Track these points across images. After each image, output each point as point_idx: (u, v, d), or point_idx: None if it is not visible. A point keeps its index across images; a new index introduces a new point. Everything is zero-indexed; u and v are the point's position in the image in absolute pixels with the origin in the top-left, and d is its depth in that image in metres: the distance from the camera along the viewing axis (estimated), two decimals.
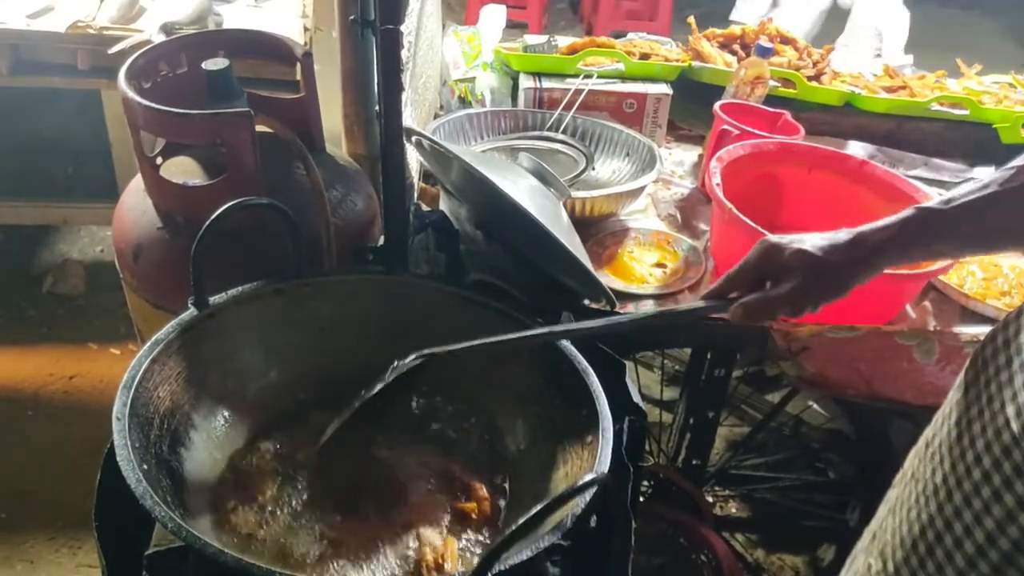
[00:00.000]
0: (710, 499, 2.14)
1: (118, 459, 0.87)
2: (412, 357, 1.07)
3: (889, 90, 2.20)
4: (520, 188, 1.27)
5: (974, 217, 0.93)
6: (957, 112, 2.13)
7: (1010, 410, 0.82)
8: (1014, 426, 0.81)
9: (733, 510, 2.29)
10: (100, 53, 2.24)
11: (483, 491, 1.11)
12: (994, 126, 2.09)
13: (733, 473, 2.21)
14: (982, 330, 1.41)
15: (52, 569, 2.03)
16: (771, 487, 2.19)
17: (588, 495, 0.88)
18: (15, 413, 2.43)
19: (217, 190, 1.37)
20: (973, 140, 2.13)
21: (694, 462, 1.86)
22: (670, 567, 1.84)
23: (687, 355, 2.15)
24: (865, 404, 1.53)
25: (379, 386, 1.07)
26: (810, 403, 2.27)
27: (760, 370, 2.22)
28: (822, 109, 2.13)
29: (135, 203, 1.51)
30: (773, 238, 1.02)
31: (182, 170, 1.49)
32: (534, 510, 0.78)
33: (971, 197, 0.93)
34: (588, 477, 0.80)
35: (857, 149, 2.10)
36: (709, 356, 1.75)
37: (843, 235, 0.99)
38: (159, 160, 1.48)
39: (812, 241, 0.99)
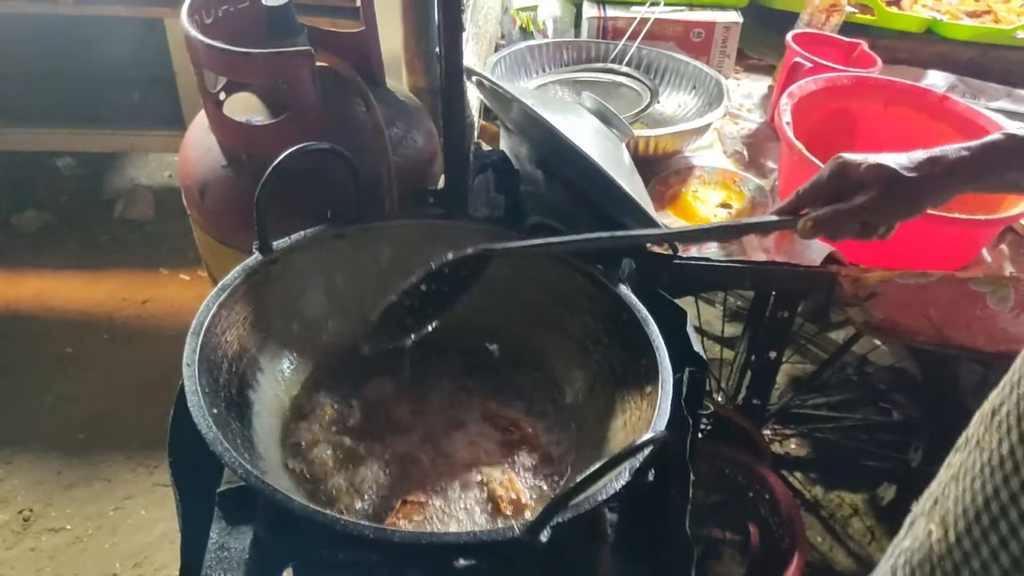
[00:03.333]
0: (768, 434, 2.13)
1: (189, 405, 0.89)
2: (470, 250, 1.03)
3: (973, 15, 2.08)
4: (581, 131, 1.24)
5: None
6: None
7: None
8: None
9: (792, 447, 2.28)
10: None
11: (529, 427, 1.12)
12: None
13: (794, 412, 2.19)
14: None
15: (129, 488, 2.12)
16: (833, 427, 2.16)
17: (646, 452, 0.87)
18: (92, 337, 2.52)
19: (279, 129, 1.38)
20: None
21: (754, 401, 1.85)
22: (726, 504, 1.84)
23: (750, 292, 2.12)
24: (934, 350, 1.49)
25: (433, 266, 1.03)
26: (876, 343, 2.23)
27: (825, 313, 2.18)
28: (901, 36, 2.03)
29: (199, 140, 1.52)
30: (847, 156, 1.02)
31: (244, 106, 1.49)
32: (591, 469, 0.78)
33: None
34: (647, 436, 0.79)
35: (937, 79, 2.00)
36: (773, 296, 1.72)
37: (920, 153, 1.00)
38: (222, 96, 1.48)
39: (888, 157, 1.00)
